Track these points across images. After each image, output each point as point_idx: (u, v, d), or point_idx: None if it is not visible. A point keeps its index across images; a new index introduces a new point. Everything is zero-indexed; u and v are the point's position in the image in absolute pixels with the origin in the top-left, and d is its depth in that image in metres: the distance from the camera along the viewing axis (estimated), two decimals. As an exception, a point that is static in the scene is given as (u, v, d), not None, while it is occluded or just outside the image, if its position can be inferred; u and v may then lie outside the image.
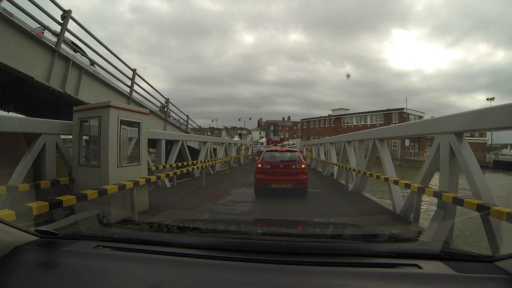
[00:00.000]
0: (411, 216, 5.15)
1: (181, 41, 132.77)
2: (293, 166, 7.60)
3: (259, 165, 7.73)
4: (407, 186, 4.96)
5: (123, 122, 5.28)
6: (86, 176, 5.11)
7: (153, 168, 8.43)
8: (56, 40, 6.56)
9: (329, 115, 52.64)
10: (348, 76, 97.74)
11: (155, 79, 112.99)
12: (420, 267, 1.12)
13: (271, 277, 1.08)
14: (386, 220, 5.43)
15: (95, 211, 4.25)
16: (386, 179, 5.88)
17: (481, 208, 3.18)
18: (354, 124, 45.04)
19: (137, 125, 5.80)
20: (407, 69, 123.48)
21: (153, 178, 6.16)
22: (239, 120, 38.29)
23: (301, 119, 58.39)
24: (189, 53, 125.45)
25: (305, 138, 49.06)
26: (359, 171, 8.09)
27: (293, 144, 45.84)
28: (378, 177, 6.36)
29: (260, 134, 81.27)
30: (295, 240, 1.51)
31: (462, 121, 3.97)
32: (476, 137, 41.46)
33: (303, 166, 7.68)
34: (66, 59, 6.88)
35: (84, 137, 5.43)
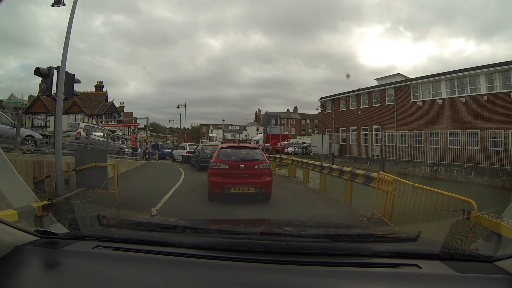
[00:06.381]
0: None
1: (153, 49, 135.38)
2: (256, 167, 6.55)
3: (213, 166, 6.57)
4: None
5: None
6: None
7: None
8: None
9: (374, 86, 24.69)
10: (348, 76, 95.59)
11: (141, 83, 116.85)
12: (420, 267, 1.12)
13: (271, 277, 1.08)
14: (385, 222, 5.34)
15: (95, 211, 4.25)
16: None
17: None
18: (444, 96, 18.48)
19: None
20: (381, 66, 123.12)
21: None
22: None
23: (320, 98, 29.91)
24: (164, 59, 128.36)
25: (328, 131, 27.60)
26: None
27: (303, 143, 32.53)
28: None
29: (257, 129, 66.06)
30: (295, 240, 1.51)
31: None
32: None
33: (267, 166, 6.68)
34: None
35: None
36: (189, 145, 21.34)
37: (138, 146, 18.54)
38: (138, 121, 29.96)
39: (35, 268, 1.20)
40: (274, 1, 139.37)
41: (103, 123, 25.44)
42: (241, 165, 6.46)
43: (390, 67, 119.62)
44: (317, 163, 9.69)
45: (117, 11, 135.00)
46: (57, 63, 5.74)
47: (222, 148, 7.23)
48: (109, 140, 12.50)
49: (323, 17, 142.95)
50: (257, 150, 7.18)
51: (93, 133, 11.65)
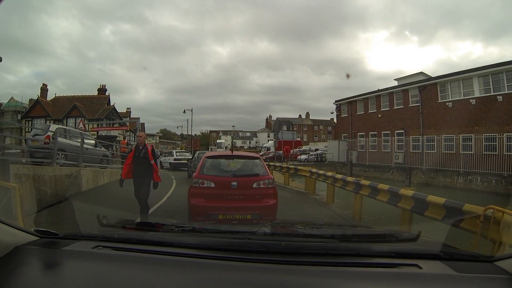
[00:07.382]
0: None
1: (161, 57, 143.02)
2: (255, 184, 5.19)
3: (195, 183, 5.27)
4: None
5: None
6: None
7: None
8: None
9: (396, 86, 24.34)
10: (348, 76, 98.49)
11: (151, 90, 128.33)
12: (420, 267, 1.20)
13: (271, 277, 1.17)
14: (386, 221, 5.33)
15: (95, 211, 4.41)
16: None
17: None
18: (477, 95, 17.68)
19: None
20: (389, 71, 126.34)
21: None
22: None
23: (336, 101, 30.31)
24: (173, 67, 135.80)
25: (344, 137, 27.83)
26: None
27: (316, 149, 33.82)
28: None
29: (268, 136, 68.84)
30: (295, 240, 1.61)
31: None
32: None
33: (270, 183, 5.30)
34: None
35: None
36: (176, 152, 24.55)
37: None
38: (146, 125, 30.31)
39: (35, 268, 1.29)
40: (278, 9, 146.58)
41: (92, 126, 26.43)
42: (233, 183, 5.10)
43: (398, 72, 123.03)
44: (349, 178, 7.74)
45: (125, 20, 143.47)
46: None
47: (209, 157, 5.80)
48: (90, 146, 11.93)
49: (328, 23, 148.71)
50: (256, 161, 5.85)
51: (69, 137, 11.16)
